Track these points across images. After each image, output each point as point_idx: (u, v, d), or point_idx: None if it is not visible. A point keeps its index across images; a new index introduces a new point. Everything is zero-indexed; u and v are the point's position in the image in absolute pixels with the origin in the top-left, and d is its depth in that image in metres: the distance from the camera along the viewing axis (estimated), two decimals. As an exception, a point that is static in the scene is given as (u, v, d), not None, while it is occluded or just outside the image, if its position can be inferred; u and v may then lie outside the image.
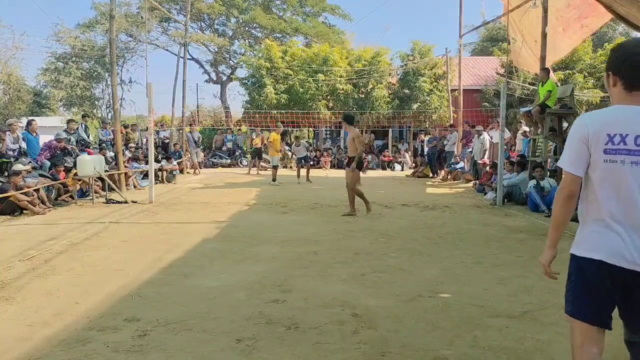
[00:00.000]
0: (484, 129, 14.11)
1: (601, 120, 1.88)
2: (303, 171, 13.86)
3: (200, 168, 17.38)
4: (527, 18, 10.90)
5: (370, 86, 20.81)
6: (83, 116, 14.75)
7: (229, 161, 19.85)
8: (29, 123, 10.69)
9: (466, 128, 16.14)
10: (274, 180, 13.16)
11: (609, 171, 1.85)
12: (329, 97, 21.08)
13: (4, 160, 9.13)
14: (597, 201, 1.92)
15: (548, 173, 8.99)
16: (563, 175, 1.98)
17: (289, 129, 20.67)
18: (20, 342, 2.94)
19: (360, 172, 8.01)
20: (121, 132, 13.34)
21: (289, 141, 21.20)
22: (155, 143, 14.09)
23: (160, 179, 12.87)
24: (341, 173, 13.42)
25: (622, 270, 1.87)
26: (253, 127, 20.01)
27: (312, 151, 19.46)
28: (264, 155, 16.70)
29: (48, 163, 9.92)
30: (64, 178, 9.50)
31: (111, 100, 17.48)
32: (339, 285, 4.12)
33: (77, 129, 12.36)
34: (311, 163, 15.95)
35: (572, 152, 1.92)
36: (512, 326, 3.22)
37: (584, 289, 1.98)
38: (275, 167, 13.64)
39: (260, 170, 16.49)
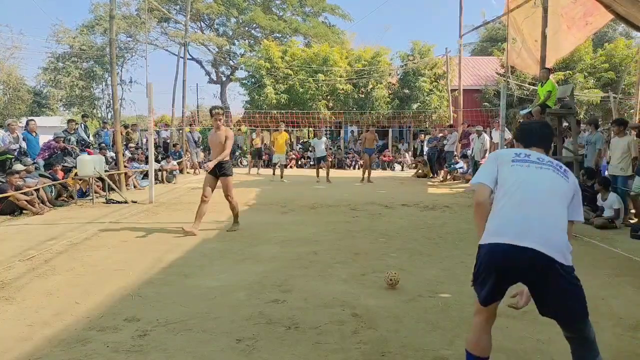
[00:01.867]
0: (484, 129, 14.13)
1: (510, 150, 2.54)
2: (321, 171, 13.69)
3: (200, 168, 17.37)
4: (530, 17, 10.88)
5: (370, 86, 20.82)
6: (82, 116, 14.76)
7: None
8: (27, 123, 10.69)
9: (465, 128, 16.15)
10: (281, 177, 13.48)
11: (513, 172, 2.31)
12: (329, 97, 21.09)
13: (8, 156, 9.10)
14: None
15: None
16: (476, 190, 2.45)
17: (289, 128, 20.68)
18: (20, 342, 2.94)
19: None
20: (121, 133, 13.40)
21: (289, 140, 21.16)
22: (155, 143, 14.11)
23: (160, 179, 12.88)
24: (341, 173, 13.46)
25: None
26: (253, 127, 20.02)
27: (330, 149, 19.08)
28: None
29: (42, 162, 9.89)
30: (62, 178, 9.50)
31: (111, 100, 17.50)
32: (339, 285, 4.12)
33: (77, 129, 12.36)
34: (349, 164, 15.76)
35: (485, 171, 2.44)
36: (512, 326, 3.22)
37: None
38: (280, 166, 13.78)
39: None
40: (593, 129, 9.02)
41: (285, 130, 14.92)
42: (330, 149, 20.71)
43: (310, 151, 21.45)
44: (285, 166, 15.08)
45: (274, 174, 13.93)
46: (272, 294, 3.85)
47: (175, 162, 14.16)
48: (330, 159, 18.83)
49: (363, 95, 20.99)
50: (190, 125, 17.91)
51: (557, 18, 10.23)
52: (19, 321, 3.29)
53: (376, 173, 17.06)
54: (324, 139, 13.91)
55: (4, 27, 23.95)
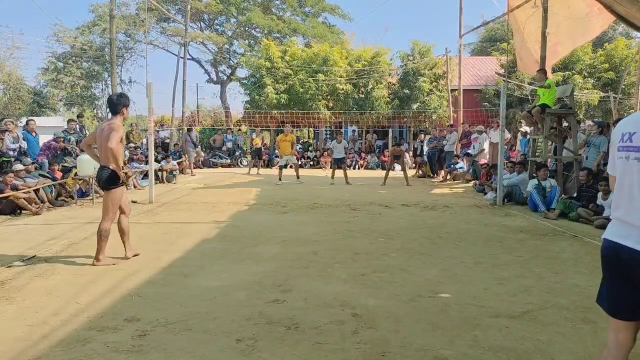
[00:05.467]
0: (485, 129, 14.15)
1: (622, 122, 2.07)
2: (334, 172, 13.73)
3: (199, 168, 17.37)
4: (534, 17, 10.85)
5: (370, 86, 20.82)
6: (78, 116, 14.73)
7: (228, 161, 19.87)
8: (27, 123, 10.71)
9: (466, 128, 16.15)
10: (298, 178, 13.37)
11: (620, 167, 2.00)
12: (329, 97, 21.09)
13: (5, 159, 9.13)
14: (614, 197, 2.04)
15: (548, 173, 9.00)
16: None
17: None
18: (19, 342, 2.94)
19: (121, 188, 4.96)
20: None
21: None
22: (155, 143, 14.08)
23: (160, 179, 12.87)
24: (340, 173, 13.47)
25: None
26: (253, 128, 20.03)
27: (350, 151, 18.96)
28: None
29: (47, 162, 9.92)
30: (61, 178, 9.50)
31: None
32: (339, 285, 4.12)
33: (75, 128, 12.35)
34: (349, 164, 15.96)
35: (610, 158, 2.11)
36: (512, 326, 3.22)
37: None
38: (293, 166, 13.80)
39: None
40: (598, 132, 9.00)
41: (284, 132, 14.63)
42: (330, 148, 20.45)
43: (311, 151, 21.49)
44: (288, 166, 14.86)
45: (280, 179, 13.31)
46: (272, 294, 3.84)
47: (175, 162, 14.16)
48: (330, 159, 18.80)
49: (363, 95, 21.00)
50: (190, 127, 17.87)
51: (582, 2, 10.19)
52: (19, 321, 3.29)
53: (375, 173, 17.09)
54: (344, 142, 13.91)
55: (4, 27, 23.95)
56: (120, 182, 4.80)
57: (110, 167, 4.69)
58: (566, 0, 10.25)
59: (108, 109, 4.94)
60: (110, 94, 4.97)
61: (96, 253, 4.80)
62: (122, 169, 4.85)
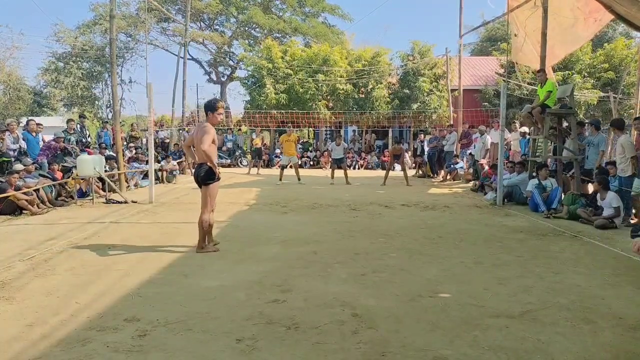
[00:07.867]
0: (486, 129, 14.14)
1: None
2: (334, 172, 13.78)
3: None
4: (533, 17, 10.87)
5: (370, 86, 20.82)
6: (80, 116, 14.74)
7: (228, 161, 19.88)
8: (27, 123, 10.72)
9: (466, 128, 16.15)
10: (298, 179, 13.27)
11: None
12: (329, 97, 21.08)
13: (5, 159, 9.14)
14: None
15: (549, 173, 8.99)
16: None
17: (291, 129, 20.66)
18: (19, 342, 2.94)
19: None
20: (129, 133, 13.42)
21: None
22: (155, 143, 14.08)
23: (160, 179, 12.87)
24: (339, 173, 13.46)
25: None
26: (253, 128, 20.04)
27: (349, 151, 18.88)
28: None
29: (46, 162, 9.92)
30: (61, 178, 9.50)
31: (111, 100, 17.51)
32: (339, 285, 4.12)
33: (75, 128, 12.37)
34: (349, 164, 16.04)
35: None
36: (512, 326, 3.22)
37: None
38: (294, 166, 13.78)
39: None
40: (594, 130, 8.98)
41: (287, 132, 14.55)
42: (350, 149, 20.27)
43: (311, 151, 21.51)
44: (289, 165, 14.83)
45: (280, 179, 13.24)
46: (272, 294, 3.84)
47: (175, 162, 14.16)
48: (329, 159, 18.69)
49: (363, 95, 20.99)
50: (188, 124, 17.90)
51: (574, 11, 10.24)
52: (19, 321, 3.29)
53: (375, 173, 17.09)
54: (343, 144, 13.97)
55: (4, 27, 23.97)
56: (216, 177, 5.23)
57: (207, 164, 5.15)
58: (555, 8, 10.28)
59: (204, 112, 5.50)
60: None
61: (198, 242, 5.29)
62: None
